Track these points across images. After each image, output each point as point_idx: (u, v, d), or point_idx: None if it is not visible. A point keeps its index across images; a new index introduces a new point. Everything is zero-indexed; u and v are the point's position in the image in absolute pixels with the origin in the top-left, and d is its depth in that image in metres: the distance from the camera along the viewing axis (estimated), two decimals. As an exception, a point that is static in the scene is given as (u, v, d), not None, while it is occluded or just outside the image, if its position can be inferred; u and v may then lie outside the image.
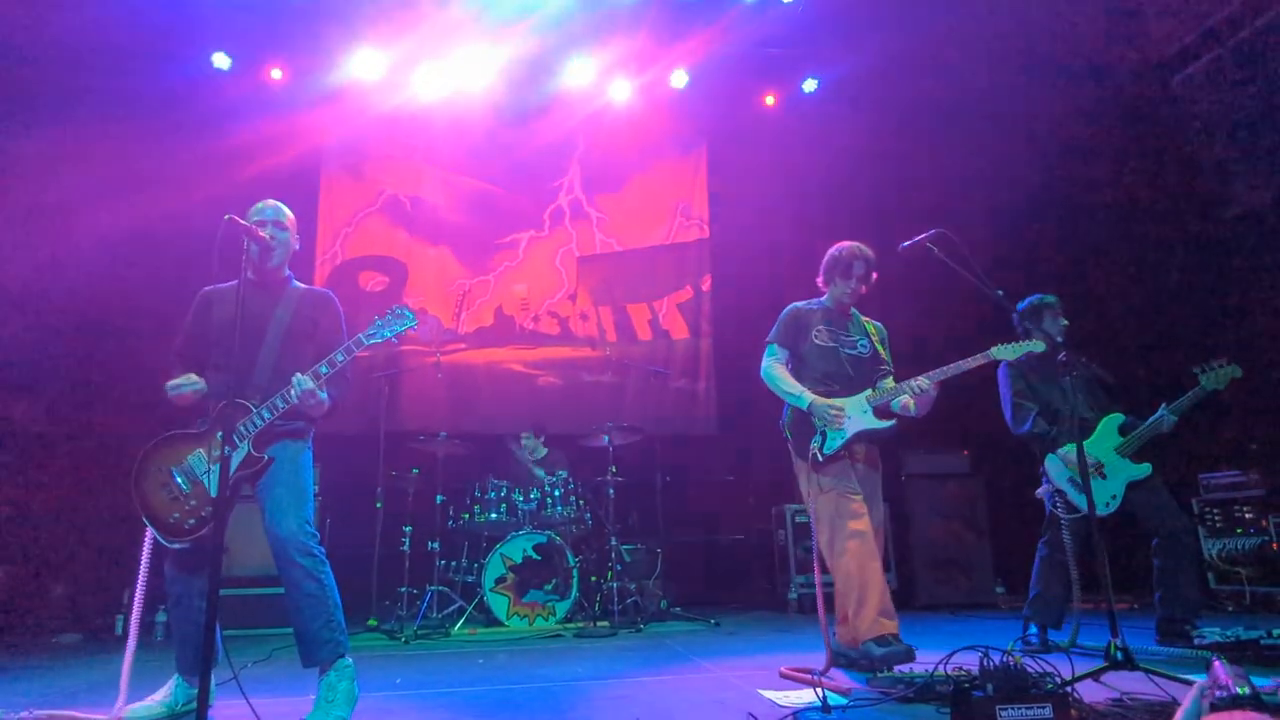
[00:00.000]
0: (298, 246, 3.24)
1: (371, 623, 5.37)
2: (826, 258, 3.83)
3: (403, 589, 5.51)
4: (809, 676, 3.10)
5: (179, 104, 6.58)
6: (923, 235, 3.52)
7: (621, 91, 7.61)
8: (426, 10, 6.74)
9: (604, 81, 7.53)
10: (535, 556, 5.51)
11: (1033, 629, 4.13)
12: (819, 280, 3.87)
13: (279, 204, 3.17)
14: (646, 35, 7.09)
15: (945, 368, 3.47)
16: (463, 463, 6.16)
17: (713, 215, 8.19)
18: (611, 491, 5.78)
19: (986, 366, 3.57)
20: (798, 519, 6.30)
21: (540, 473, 6.09)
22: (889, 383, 3.64)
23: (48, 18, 6.00)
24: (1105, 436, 4.04)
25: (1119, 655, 2.83)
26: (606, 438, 5.90)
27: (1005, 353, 3.50)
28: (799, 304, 3.87)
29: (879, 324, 3.92)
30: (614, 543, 5.65)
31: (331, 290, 3.32)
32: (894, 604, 3.38)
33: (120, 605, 5.47)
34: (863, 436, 3.56)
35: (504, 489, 5.79)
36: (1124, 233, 7.12)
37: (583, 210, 7.98)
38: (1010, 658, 2.37)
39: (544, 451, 6.46)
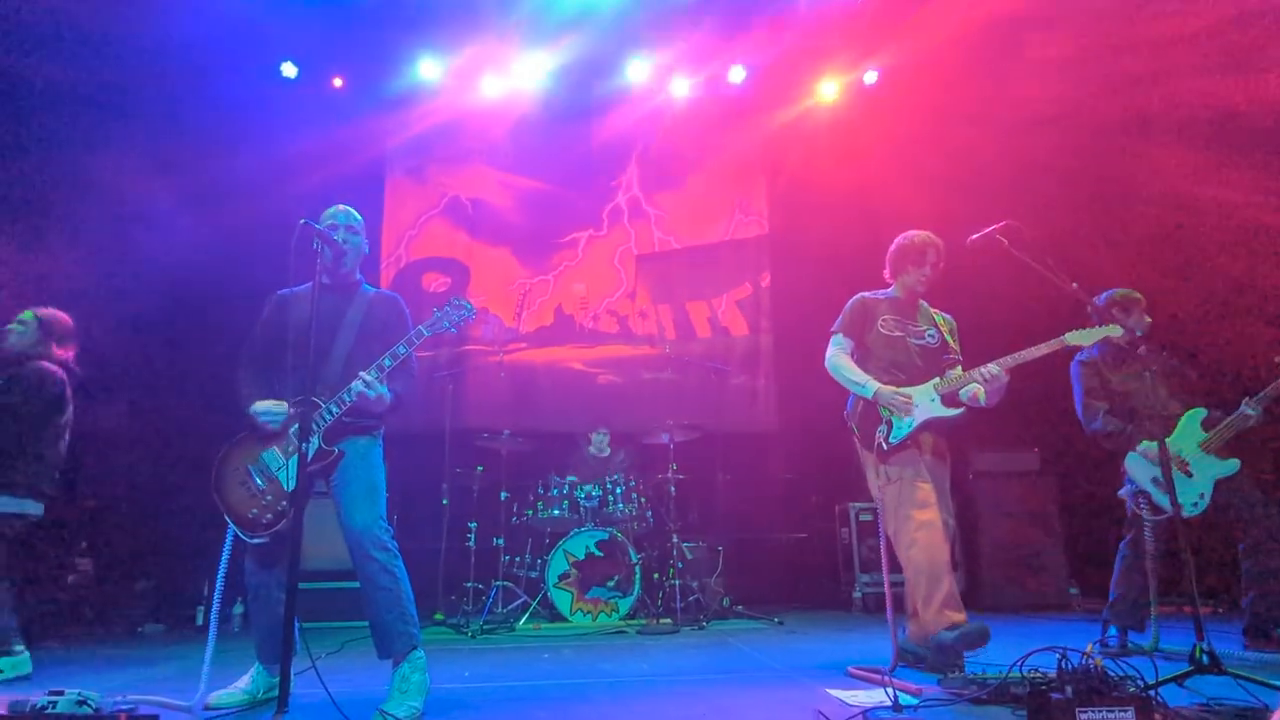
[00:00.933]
0: (367, 250, 3.32)
1: (438, 617, 5.49)
2: (895, 247, 3.76)
3: (468, 584, 5.60)
4: (878, 676, 3.05)
5: (250, 113, 6.81)
6: (991, 227, 3.43)
7: (680, 89, 7.62)
8: (486, 14, 6.84)
9: (662, 79, 7.55)
10: (598, 553, 5.56)
11: (1112, 631, 3.99)
12: (885, 272, 3.81)
13: (349, 208, 3.26)
14: (705, 32, 7.08)
15: (1018, 354, 3.37)
16: (526, 460, 6.24)
17: (772, 211, 8.12)
18: (672, 489, 5.79)
19: (1058, 359, 3.46)
20: (861, 517, 6.22)
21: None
22: (958, 371, 3.56)
23: (123, 34, 6.27)
24: (1189, 432, 3.86)
25: (1205, 659, 2.71)
26: (666, 435, 5.90)
27: (1080, 338, 3.37)
28: (866, 294, 3.81)
29: (948, 316, 3.83)
30: (675, 540, 5.65)
31: (397, 293, 3.40)
32: (960, 605, 3.30)
33: (201, 598, 5.70)
34: (930, 425, 3.48)
35: (566, 486, 5.85)
36: (1213, 222, 6.78)
37: (641, 209, 7.99)
38: (1090, 659, 2.29)
39: (609, 450, 6.50)
